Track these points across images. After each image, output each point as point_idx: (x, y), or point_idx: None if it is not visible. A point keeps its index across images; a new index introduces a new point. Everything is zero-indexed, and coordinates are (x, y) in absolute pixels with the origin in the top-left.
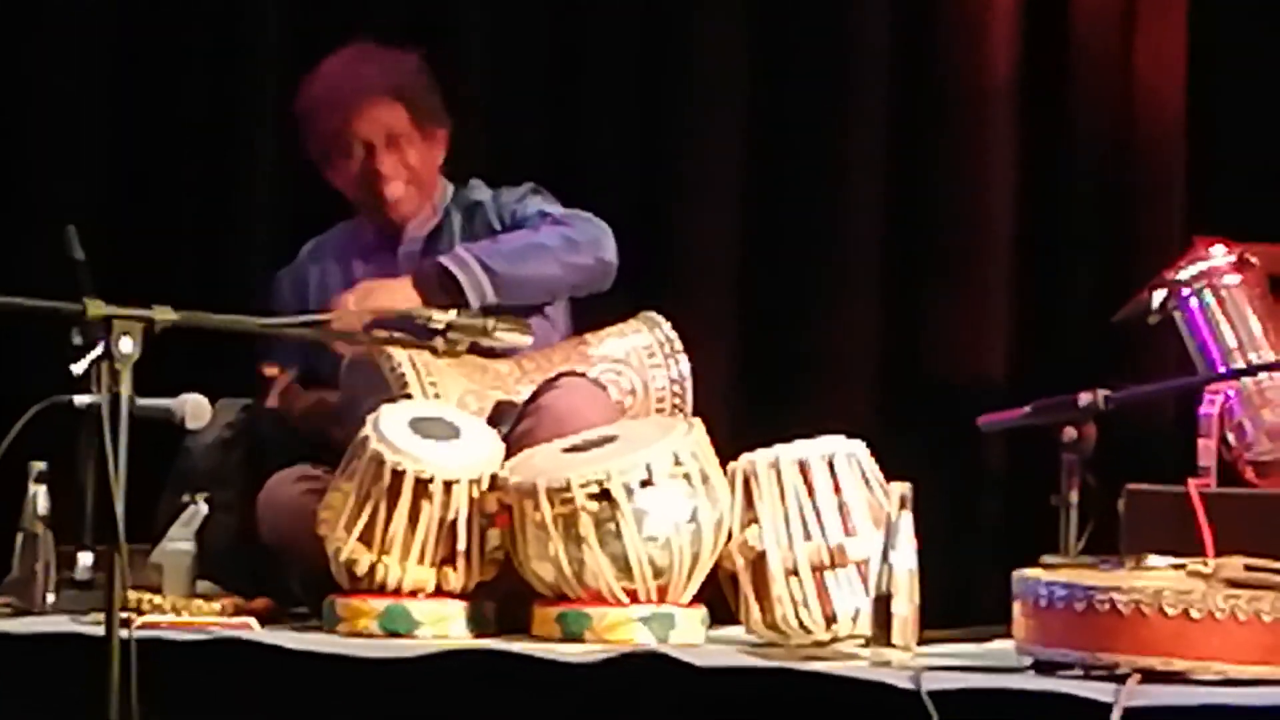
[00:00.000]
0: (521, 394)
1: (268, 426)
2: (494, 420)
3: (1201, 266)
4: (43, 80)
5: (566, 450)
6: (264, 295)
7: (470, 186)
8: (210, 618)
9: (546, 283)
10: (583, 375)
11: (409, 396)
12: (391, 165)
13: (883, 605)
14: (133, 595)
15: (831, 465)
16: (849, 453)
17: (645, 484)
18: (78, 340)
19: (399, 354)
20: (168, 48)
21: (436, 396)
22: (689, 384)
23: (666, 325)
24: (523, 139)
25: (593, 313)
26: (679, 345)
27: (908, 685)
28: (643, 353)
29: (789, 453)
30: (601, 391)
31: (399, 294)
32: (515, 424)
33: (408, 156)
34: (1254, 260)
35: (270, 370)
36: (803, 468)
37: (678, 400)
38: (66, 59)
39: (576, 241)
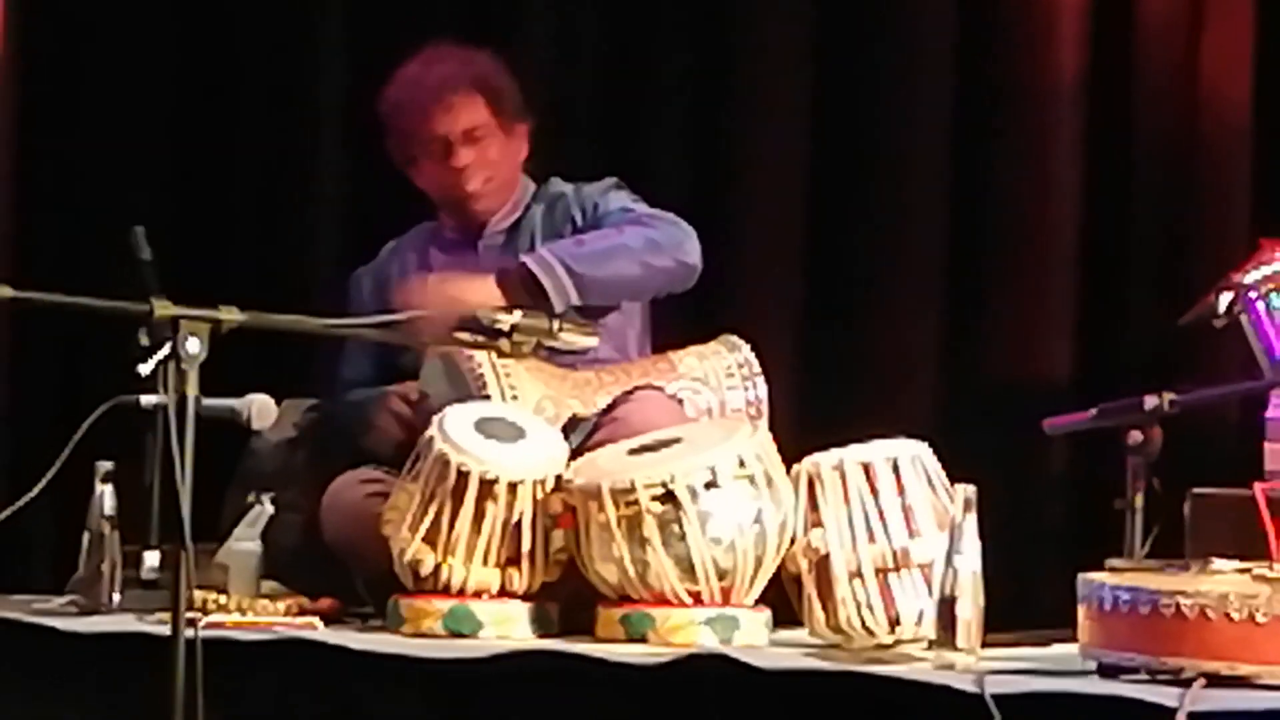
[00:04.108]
0: (599, 405)
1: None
2: (565, 432)
3: (1268, 270)
4: (108, 82)
5: (631, 452)
6: (341, 293)
7: (550, 183)
8: (275, 618)
9: (629, 284)
10: (660, 389)
11: (488, 398)
12: (470, 159)
13: (947, 608)
14: (198, 595)
15: (896, 467)
16: (913, 455)
17: (710, 486)
18: (145, 341)
19: (480, 355)
20: (231, 50)
21: (515, 400)
22: (765, 406)
23: (746, 348)
24: (580, 149)
25: (666, 324)
26: (757, 368)
27: (971, 688)
28: (721, 373)
29: (853, 455)
30: (677, 405)
31: (481, 289)
32: (590, 434)
33: (488, 151)
34: None
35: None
36: (867, 470)
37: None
38: (130, 60)
39: (659, 243)
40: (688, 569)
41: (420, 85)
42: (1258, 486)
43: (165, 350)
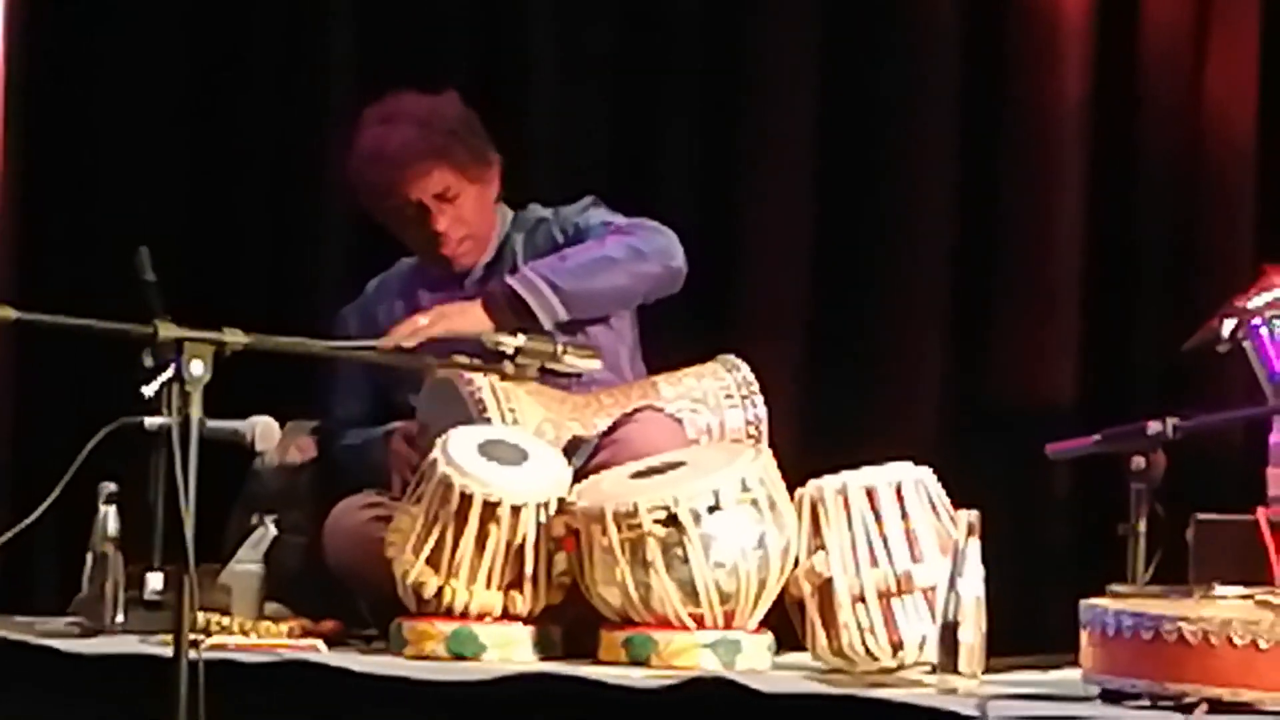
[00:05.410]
0: (599, 427)
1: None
2: (567, 453)
3: (1271, 295)
4: (115, 106)
5: (634, 475)
6: (329, 332)
7: (529, 209)
8: (277, 639)
9: (616, 295)
10: (660, 410)
11: (488, 422)
12: (448, 221)
13: (949, 633)
14: (201, 616)
15: (899, 492)
16: (917, 479)
17: (713, 510)
18: (149, 362)
19: (479, 379)
20: (238, 70)
21: (515, 423)
22: (764, 426)
23: (745, 368)
24: (587, 171)
25: (671, 344)
26: (755, 387)
27: (974, 713)
28: (719, 393)
29: (856, 479)
30: (678, 425)
31: (470, 316)
32: (592, 455)
33: (462, 209)
34: None
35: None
36: (870, 494)
37: (753, 441)
38: (137, 84)
39: (642, 250)
40: (690, 592)
41: (381, 156)
42: (1261, 512)
43: (169, 372)
